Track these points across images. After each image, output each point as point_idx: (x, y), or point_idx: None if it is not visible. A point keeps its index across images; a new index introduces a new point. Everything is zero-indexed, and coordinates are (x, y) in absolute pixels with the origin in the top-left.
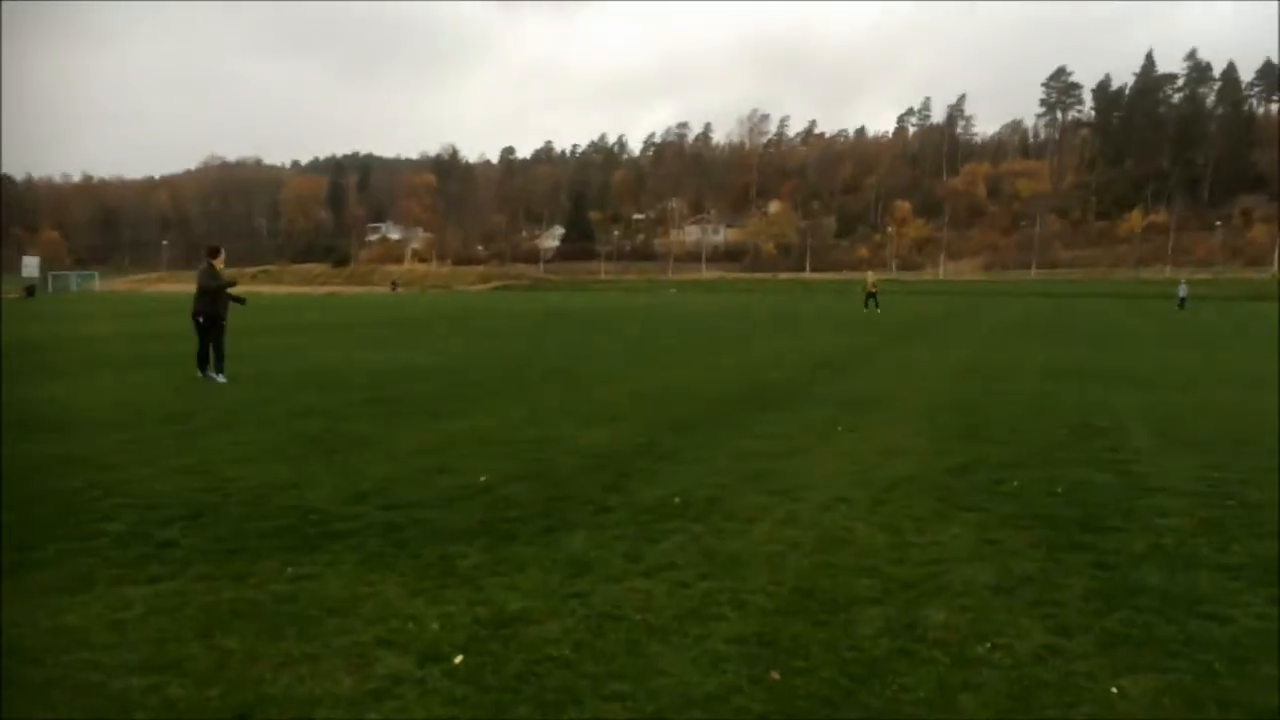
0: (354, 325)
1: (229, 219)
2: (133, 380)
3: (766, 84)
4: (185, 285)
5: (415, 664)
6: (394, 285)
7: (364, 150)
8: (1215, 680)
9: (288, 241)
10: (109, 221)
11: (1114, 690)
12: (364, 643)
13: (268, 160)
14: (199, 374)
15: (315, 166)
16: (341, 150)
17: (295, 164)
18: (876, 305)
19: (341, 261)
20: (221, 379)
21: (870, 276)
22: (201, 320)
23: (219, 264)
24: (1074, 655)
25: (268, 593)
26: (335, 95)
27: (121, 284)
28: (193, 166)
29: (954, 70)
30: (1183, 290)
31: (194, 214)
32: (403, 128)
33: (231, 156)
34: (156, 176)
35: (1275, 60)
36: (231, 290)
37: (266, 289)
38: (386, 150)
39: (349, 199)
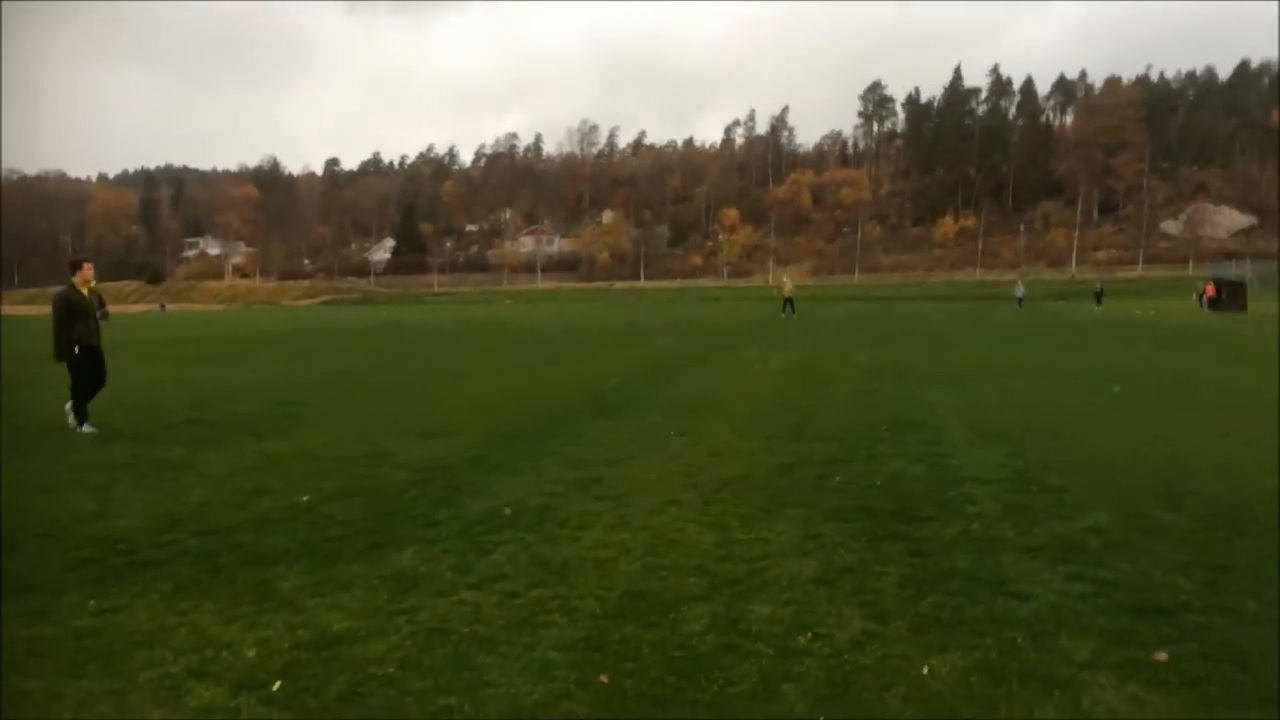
0: (169, 343)
1: (30, 236)
2: None
3: (597, 96)
4: None
5: (229, 693)
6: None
7: (178, 162)
8: (1018, 654)
9: (96, 258)
10: None
11: (926, 670)
12: (174, 674)
13: (72, 173)
14: (75, 425)
15: (125, 180)
16: (153, 162)
17: (103, 177)
18: (793, 310)
19: (156, 279)
20: (89, 428)
21: (787, 283)
22: (78, 351)
23: (84, 280)
24: (890, 640)
25: (69, 629)
26: (145, 104)
27: None
28: None
29: (778, 82)
30: (1019, 290)
31: None
32: (221, 139)
33: (31, 169)
34: None
35: (1067, 75)
36: (101, 310)
37: None
38: (202, 162)
39: (163, 213)
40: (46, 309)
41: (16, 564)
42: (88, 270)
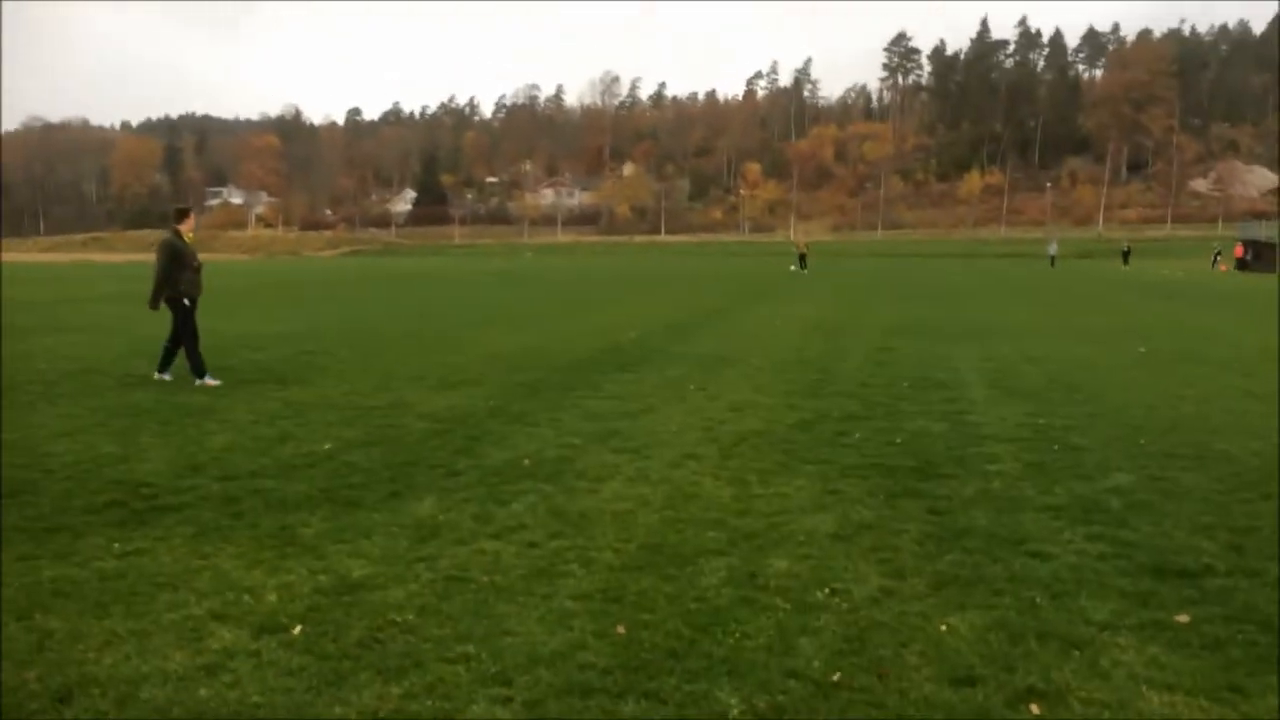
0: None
1: (54, 185)
2: None
3: (619, 47)
4: (10, 255)
5: (251, 636)
6: None
7: (200, 110)
8: (1036, 613)
9: (119, 208)
10: None
11: (943, 628)
12: (196, 617)
13: (95, 121)
14: (204, 380)
15: (148, 128)
16: (176, 110)
17: (126, 125)
18: (805, 267)
19: None
20: (211, 380)
21: (800, 239)
22: (188, 303)
23: (189, 229)
24: (908, 596)
25: (92, 570)
26: (169, 51)
27: None
28: (11, 128)
29: (802, 33)
30: (1053, 248)
31: (15, 179)
32: (243, 88)
33: (54, 117)
34: None
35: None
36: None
37: (99, 257)
38: (225, 111)
39: (186, 162)
40: (71, 256)
41: (41, 506)
42: (192, 219)
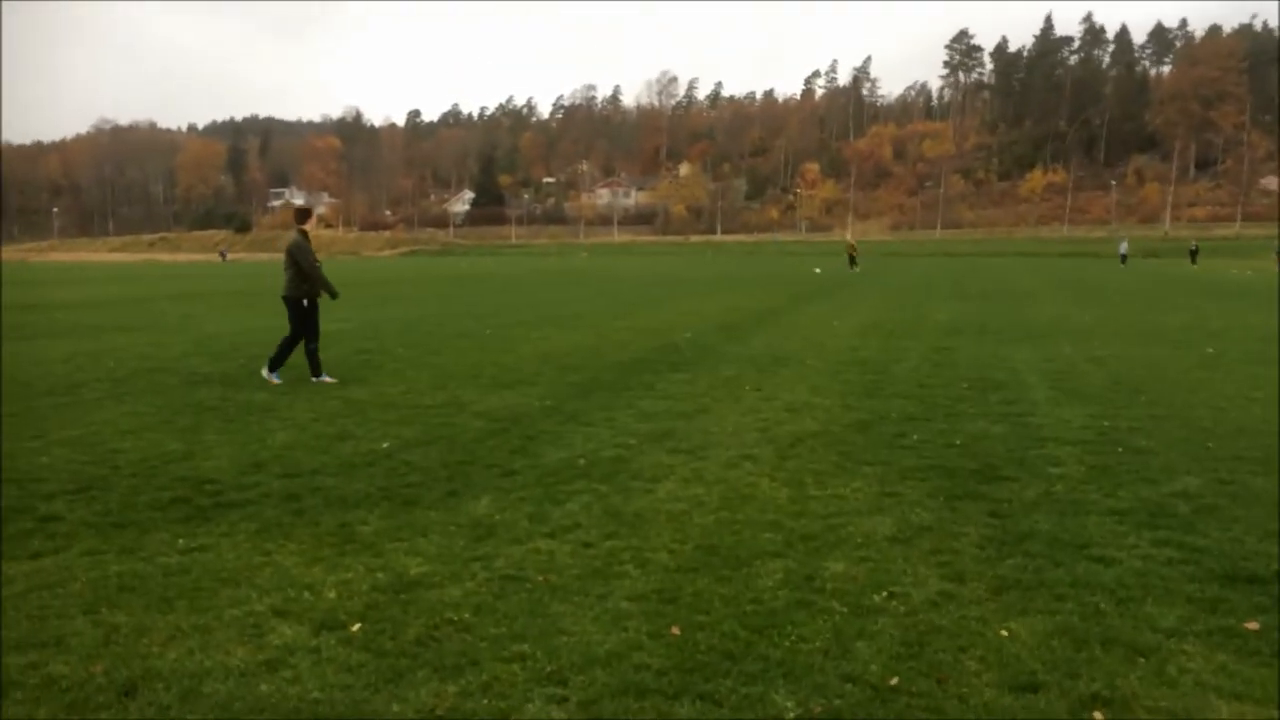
0: (254, 294)
1: (123, 185)
2: (18, 351)
3: (676, 47)
4: (80, 255)
5: (311, 633)
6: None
7: (264, 113)
8: (1101, 620)
9: (185, 208)
10: None
11: (1004, 633)
12: (258, 613)
13: (162, 124)
14: (321, 378)
15: (213, 130)
16: (240, 113)
17: (192, 128)
18: (856, 265)
19: (243, 228)
20: (329, 378)
21: (850, 239)
22: (306, 304)
23: (313, 228)
24: (967, 601)
25: (158, 565)
26: (234, 54)
27: (10, 253)
28: (83, 131)
29: (859, 32)
30: (1123, 248)
31: (86, 180)
32: (306, 90)
33: (124, 120)
34: (45, 141)
35: (1165, 24)
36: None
37: (165, 257)
38: (287, 113)
39: (249, 164)
40: (139, 256)
41: (109, 502)
42: (314, 218)
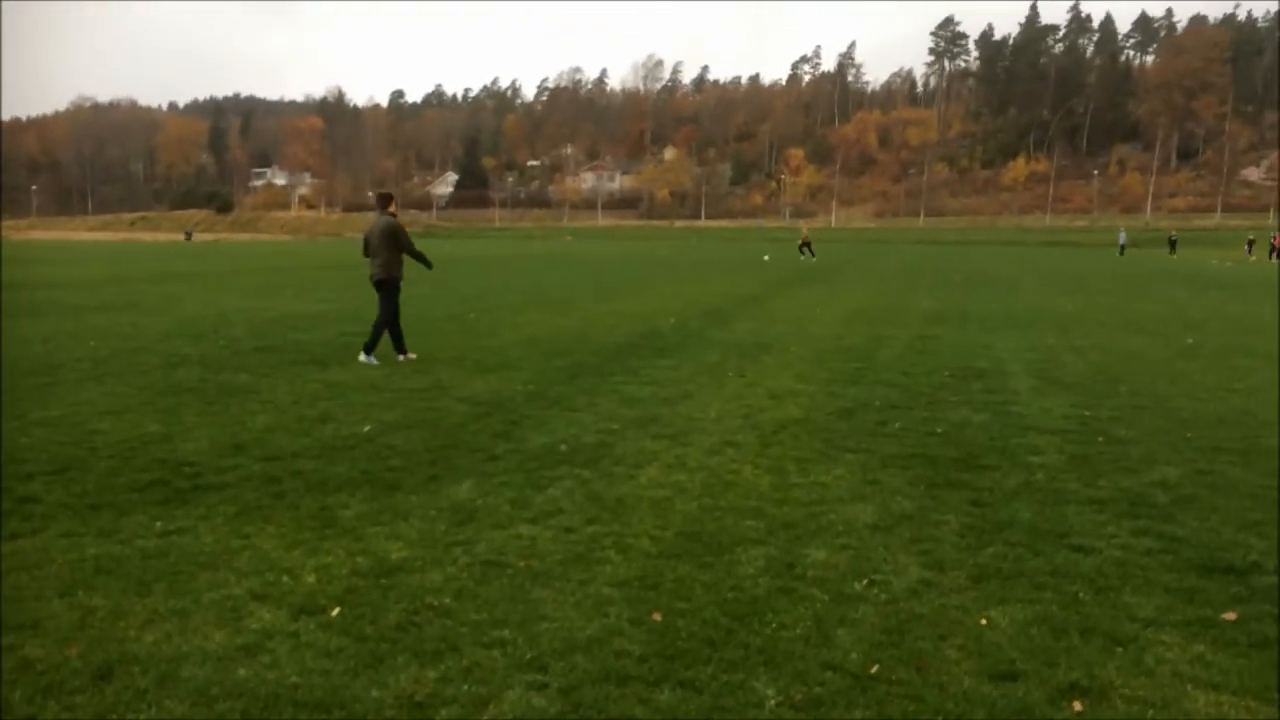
0: (236, 273)
1: (103, 163)
2: None
3: (662, 30)
4: (60, 233)
5: (289, 617)
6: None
7: (245, 92)
8: (1080, 609)
9: (166, 187)
10: None
11: (984, 622)
12: (236, 597)
13: (143, 101)
14: (406, 356)
15: (194, 108)
16: (221, 91)
17: (173, 106)
18: (812, 254)
19: (225, 208)
20: (374, 360)
21: (804, 228)
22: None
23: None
24: (948, 589)
25: (135, 548)
26: (214, 32)
27: None
28: (61, 108)
29: (845, 18)
30: (1122, 237)
31: (65, 158)
32: (288, 70)
33: (103, 97)
34: (23, 118)
35: (1153, 14)
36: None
37: (145, 236)
38: (270, 92)
39: (231, 143)
40: (121, 235)
41: (86, 483)
42: (395, 202)
